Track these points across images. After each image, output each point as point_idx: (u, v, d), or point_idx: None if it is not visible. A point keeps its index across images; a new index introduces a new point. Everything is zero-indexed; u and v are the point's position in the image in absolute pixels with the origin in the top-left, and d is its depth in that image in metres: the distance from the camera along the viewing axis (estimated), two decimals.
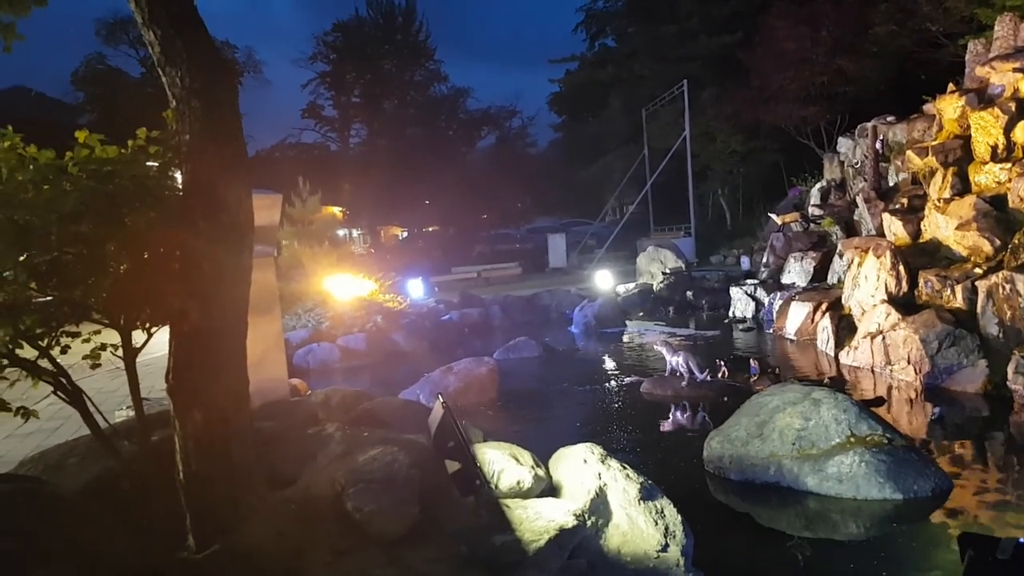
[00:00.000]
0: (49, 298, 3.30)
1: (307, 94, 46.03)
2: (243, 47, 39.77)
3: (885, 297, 9.82)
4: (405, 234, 47.88)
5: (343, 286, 14.83)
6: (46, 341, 3.35)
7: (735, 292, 14.62)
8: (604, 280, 18.40)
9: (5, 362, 3.25)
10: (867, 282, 10.36)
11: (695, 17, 30.70)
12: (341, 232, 33.84)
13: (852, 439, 5.61)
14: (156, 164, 3.56)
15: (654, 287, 17.67)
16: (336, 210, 35.11)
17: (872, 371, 9.37)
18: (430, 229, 46.05)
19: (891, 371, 9.03)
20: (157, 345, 3.82)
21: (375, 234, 45.01)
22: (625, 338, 13.54)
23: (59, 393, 3.46)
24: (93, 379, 4.76)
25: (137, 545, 3.28)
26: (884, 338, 9.24)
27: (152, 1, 3.32)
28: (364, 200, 38.67)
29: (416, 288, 18.91)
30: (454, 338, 14.59)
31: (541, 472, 4.58)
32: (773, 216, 17.07)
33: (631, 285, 18.22)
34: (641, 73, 32.34)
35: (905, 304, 9.56)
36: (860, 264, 10.80)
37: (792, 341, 11.75)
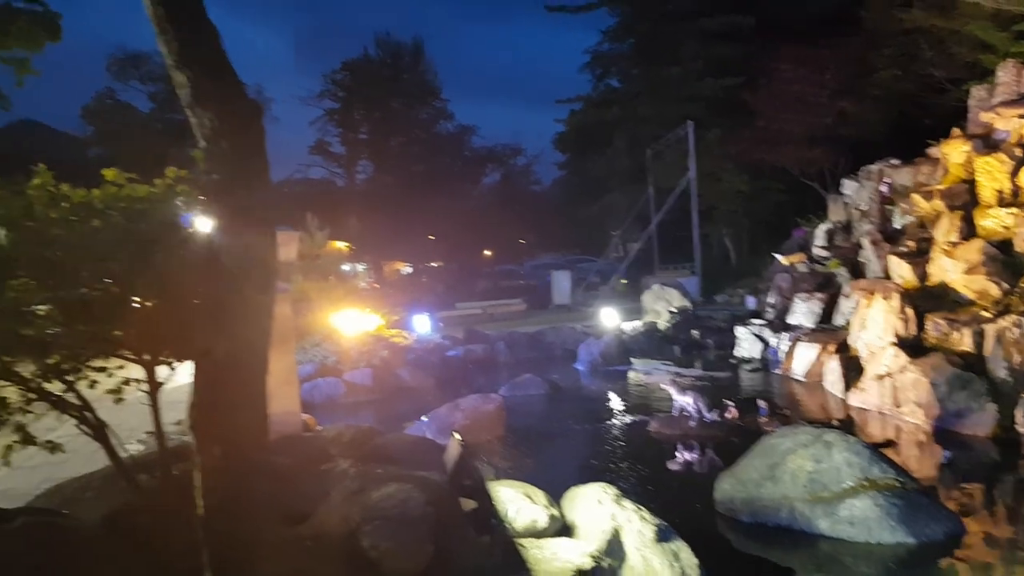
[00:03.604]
0: (77, 334, 3.34)
1: (315, 131, 46.60)
2: (252, 84, 40.19)
3: (893, 339, 9.83)
4: (409, 269, 48.04)
5: (349, 321, 14.84)
6: (73, 376, 3.39)
7: (741, 332, 14.62)
8: (609, 318, 18.40)
9: (33, 396, 3.29)
10: (874, 324, 10.38)
11: (700, 59, 31.10)
12: (346, 267, 33.96)
13: (864, 482, 5.59)
14: (183, 202, 3.63)
15: (660, 325, 17.66)
16: (341, 245, 35.27)
17: (880, 413, 9.34)
18: (434, 264, 46.20)
19: (900, 413, 9.01)
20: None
21: (379, 269, 45.18)
22: (631, 376, 13.52)
23: (83, 427, 3.49)
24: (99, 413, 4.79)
25: None
26: (892, 380, 9.24)
27: (182, 44, 3.39)
28: (369, 235, 38.87)
29: (422, 323, 18.91)
30: (459, 374, 14.58)
31: (555, 512, 4.58)
32: (778, 256, 17.14)
33: (637, 323, 18.19)
34: (646, 113, 32.66)
35: (913, 347, 9.56)
36: (867, 306, 10.82)
37: (800, 382, 11.73)
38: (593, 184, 37.84)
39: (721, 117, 28.47)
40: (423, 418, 9.41)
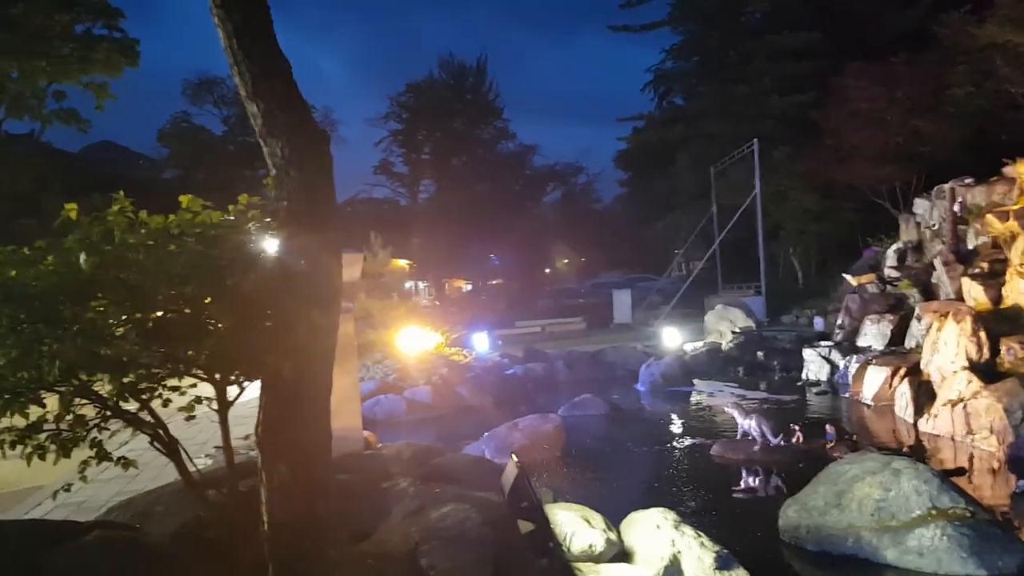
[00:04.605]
0: (152, 354, 3.49)
1: (379, 151, 47.61)
2: (320, 108, 41.27)
3: (966, 364, 9.49)
4: (469, 287, 48.43)
5: (410, 339, 15.03)
6: (148, 395, 3.54)
7: (809, 354, 14.27)
8: (671, 337, 18.16)
9: (109, 413, 3.45)
10: (947, 348, 10.04)
11: (767, 76, 30.70)
12: (407, 284, 34.38)
13: (933, 511, 5.42)
14: (255, 227, 3.76)
15: (723, 346, 17.33)
16: (403, 263, 35.81)
17: (952, 440, 9.02)
18: (494, 282, 46.48)
19: (972, 440, 8.69)
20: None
21: (440, 286, 45.64)
22: (693, 398, 13.31)
23: (156, 444, 3.64)
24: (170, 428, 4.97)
25: None
26: (965, 406, 8.92)
27: (256, 77, 3.54)
28: (431, 253, 39.40)
29: (481, 342, 19.00)
30: (518, 393, 14.52)
31: (613, 536, 4.55)
32: (848, 277, 16.71)
33: (699, 343, 17.90)
34: (711, 131, 32.30)
35: (986, 371, 9.22)
36: (939, 329, 10.47)
37: (869, 406, 11.38)
38: (656, 202, 37.58)
39: (789, 135, 27.98)
40: (483, 436, 9.45)
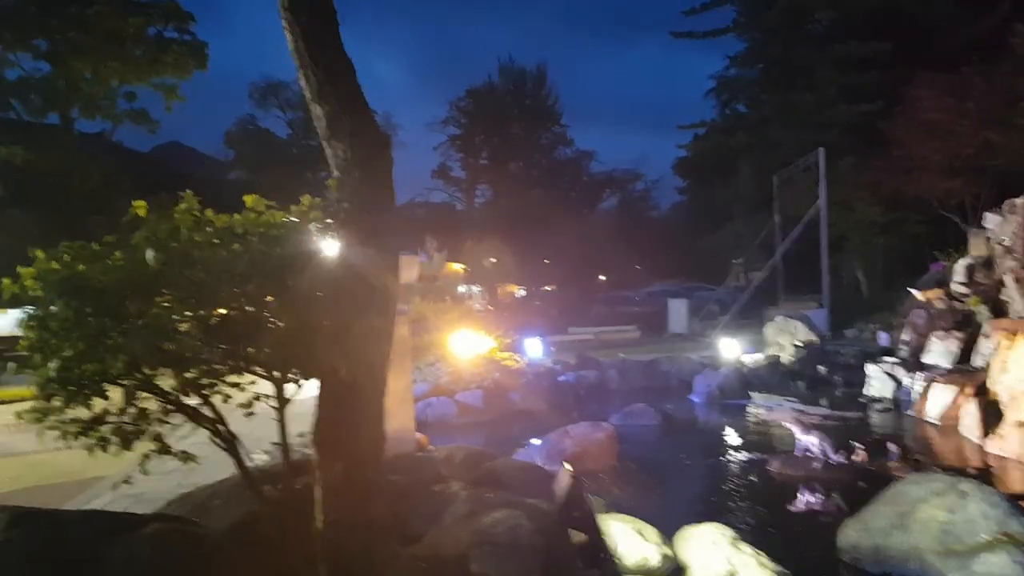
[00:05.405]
0: (214, 350, 3.55)
1: (438, 156, 48.10)
2: (381, 112, 41.88)
3: None
4: (523, 292, 48.39)
5: (463, 342, 15.06)
6: (209, 390, 3.61)
7: (872, 370, 13.86)
8: (729, 349, 17.81)
9: (171, 407, 3.52)
10: (1016, 367, 9.64)
11: (832, 85, 30.06)
12: (462, 288, 34.53)
13: (1002, 536, 5.18)
14: (316, 229, 3.81)
15: (784, 359, 16.95)
16: (458, 267, 36.01)
17: (1021, 462, 8.65)
18: (548, 288, 46.37)
19: None
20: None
21: (494, 291, 45.72)
22: (750, 412, 13.02)
23: (216, 439, 3.70)
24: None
25: None
26: None
27: (321, 80, 3.59)
28: (485, 258, 39.56)
29: (534, 347, 18.93)
30: (570, 400, 14.42)
31: (667, 550, 4.47)
32: (914, 291, 16.19)
33: (759, 356, 17.51)
34: (774, 140, 31.75)
35: None
36: (1009, 347, 10.07)
37: (933, 425, 11.00)
38: (715, 211, 37.14)
39: (854, 144, 27.33)
40: (533, 442, 9.40)
